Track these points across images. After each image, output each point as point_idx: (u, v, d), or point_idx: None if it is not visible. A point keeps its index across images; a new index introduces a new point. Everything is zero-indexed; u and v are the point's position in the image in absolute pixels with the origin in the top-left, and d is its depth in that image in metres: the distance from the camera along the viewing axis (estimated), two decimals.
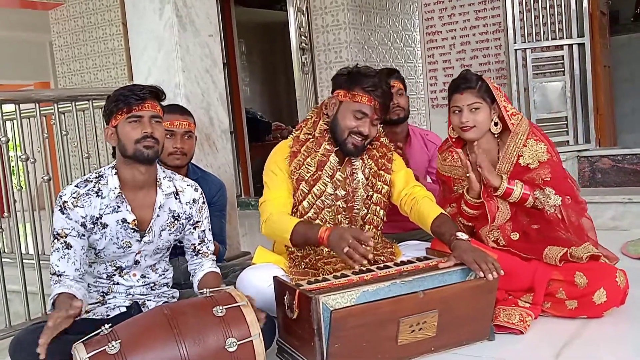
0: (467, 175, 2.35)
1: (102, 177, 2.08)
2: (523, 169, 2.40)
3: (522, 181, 2.37)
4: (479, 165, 2.32)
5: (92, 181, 2.07)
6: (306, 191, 2.36)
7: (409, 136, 3.15)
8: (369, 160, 2.45)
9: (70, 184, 2.09)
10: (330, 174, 2.37)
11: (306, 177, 2.36)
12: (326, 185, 2.37)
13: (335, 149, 2.39)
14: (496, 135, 2.47)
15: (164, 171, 2.19)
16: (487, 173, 2.33)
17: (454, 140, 2.54)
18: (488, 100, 2.41)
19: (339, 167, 2.40)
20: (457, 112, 2.42)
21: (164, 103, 2.94)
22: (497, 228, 2.41)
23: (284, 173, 2.40)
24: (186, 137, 2.68)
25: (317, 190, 2.36)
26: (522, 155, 2.40)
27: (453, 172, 2.56)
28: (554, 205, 2.34)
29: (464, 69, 2.54)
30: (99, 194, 2.05)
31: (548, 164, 2.39)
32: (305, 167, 2.36)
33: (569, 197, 2.37)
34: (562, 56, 4.83)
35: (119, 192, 2.05)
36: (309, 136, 2.41)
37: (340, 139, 2.36)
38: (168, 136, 2.62)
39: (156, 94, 2.10)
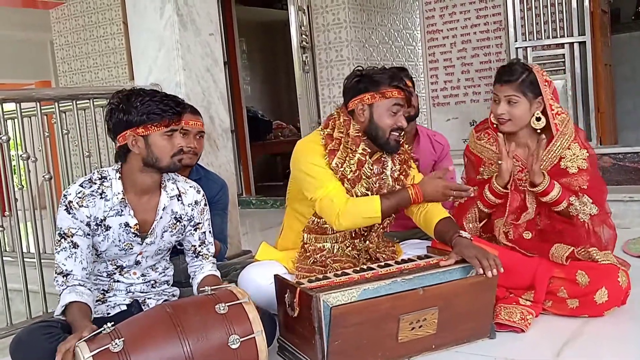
0: (499, 162, 2.30)
1: (106, 179, 2.07)
2: (562, 171, 2.37)
3: (559, 184, 2.34)
4: (516, 156, 2.26)
5: (96, 183, 2.05)
6: (347, 189, 2.31)
7: (417, 135, 3.12)
8: (398, 164, 2.42)
9: (75, 183, 2.08)
10: (368, 174, 2.33)
11: (349, 176, 2.31)
12: (364, 187, 2.33)
13: (369, 151, 2.34)
14: (538, 131, 2.40)
15: (167, 173, 2.20)
16: (536, 167, 2.27)
17: (494, 126, 2.49)
18: (529, 94, 2.35)
19: (372, 168, 2.37)
20: (496, 101, 2.40)
21: None
22: (510, 224, 2.39)
23: (327, 168, 2.32)
24: (198, 136, 2.70)
25: (359, 190, 2.32)
26: (564, 158, 2.37)
27: (484, 153, 2.52)
28: (590, 213, 2.32)
29: (513, 59, 2.47)
30: (103, 196, 2.04)
31: (587, 173, 2.36)
32: (348, 166, 2.30)
33: (598, 208, 2.35)
34: (563, 54, 4.83)
35: (122, 198, 2.05)
36: (342, 134, 2.33)
37: (382, 139, 2.31)
38: (181, 135, 2.62)
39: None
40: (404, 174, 2.43)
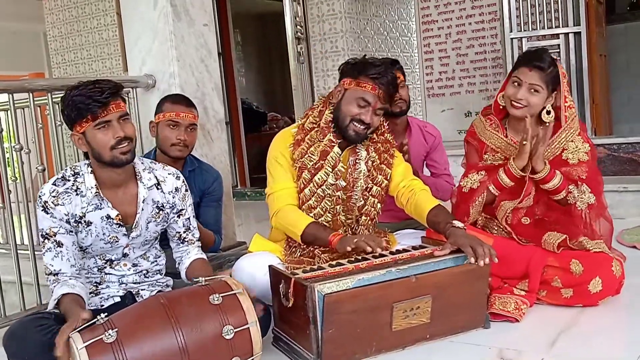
0: (524, 143, 2.28)
1: (79, 174, 2.03)
2: (562, 162, 2.40)
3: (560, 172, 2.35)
4: (535, 141, 2.27)
5: (69, 179, 2.02)
6: (308, 179, 2.35)
7: (409, 127, 3.10)
8: (373, 153, 2.43)
9: (48, 182, 2.03)
10: (332, 164, 2.35)
11: (309, 166, 2.35)
12: (328, 175, 2.35)
13: (339, 141, 2.37)
14: (547, 124, 2.41)
15: (142, 162, 2.15)
16: (541, 150, 2.29)
17: (501, 108, 2.48)
18: (550, 87, 2.36)
19: (341, 158, 2.39)
20: (516, 84, 2.37)
21: (167, 93, 2.95)
22: (511, 209, 2.39)
23: (288, 161, 2.39)
24: (190, 129, 2.68)
25: (319, 179, 2.34)
26: (566, 149, 2.40)
27: (490, 139, 2.50)
28: (588, 202, 2.34)
29: (534, 48, 2.46)
30: (78, 192, 2.01)
31: (586, 165, 2.39)
32: (309, 156, 2.35)
33: (595, 198, 2.37)
34: (558, 45, 4.83)
35: (96, 192, 2.01)
36: (314, 125, 2.39)
37: (342, 125, 2.34)
38: (172, 127, 2.62)
39: (117, 92, 1.97)
40: (385, 163, 2.43)
